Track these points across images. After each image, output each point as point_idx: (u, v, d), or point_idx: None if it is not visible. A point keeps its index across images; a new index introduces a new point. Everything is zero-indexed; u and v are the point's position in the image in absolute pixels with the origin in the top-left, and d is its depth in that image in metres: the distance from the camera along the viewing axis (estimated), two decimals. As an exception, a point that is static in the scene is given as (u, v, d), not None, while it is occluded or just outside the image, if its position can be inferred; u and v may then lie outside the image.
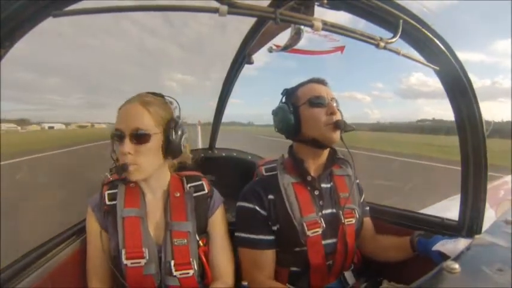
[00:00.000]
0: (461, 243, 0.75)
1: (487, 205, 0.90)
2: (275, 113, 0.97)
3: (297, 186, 0.93)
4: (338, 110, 0.92)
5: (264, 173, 0.98)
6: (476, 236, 0.67)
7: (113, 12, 0.59)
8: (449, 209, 1.12)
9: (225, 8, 0.50)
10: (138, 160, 0.79)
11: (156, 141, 0.81)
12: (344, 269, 0.96)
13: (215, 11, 0.50)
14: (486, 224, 0.88)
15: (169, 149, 0.83)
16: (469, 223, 0.91)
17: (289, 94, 0.98)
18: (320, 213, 0.91)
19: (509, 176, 2.97)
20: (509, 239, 0.63)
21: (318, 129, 0.90)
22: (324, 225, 0.89)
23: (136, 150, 0.78)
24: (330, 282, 0.93)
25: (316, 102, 0.90)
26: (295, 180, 0.93)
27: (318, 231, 0.88)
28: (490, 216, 0.89)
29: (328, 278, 0.93)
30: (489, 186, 0.90)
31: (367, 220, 1.09)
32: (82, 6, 0.55)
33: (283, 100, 0.99)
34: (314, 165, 0.96)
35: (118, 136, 0.79)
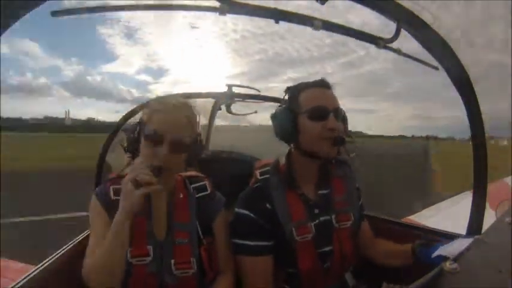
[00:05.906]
0: (462, 243, 0.73)
1: (487, 205, 0.90)
2: (274, 116, 0.92)
3: (288, 192, 0.91)
4: (341, 120, 0.88)
5: (259, 177, 0.95)
6: (476, 236, 0.67)
7: (113, 11, 0.59)
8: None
9: (225, 7, 0.50)
10: (170, 165, 0.80)
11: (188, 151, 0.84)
12: (344, 271, 0.95)
13: (215, 10, 0.50)
14: (486, 224, 0.88)
15: (193, 160, 0.87)
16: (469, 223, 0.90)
17: (292, 96, 0.92)
18: (316, 221, 0.90)
19: (509, 177, 2.97)
20: (509, 239, 0.63)
21: (316, 144, 0.86)
22: (314, 231, 0.88)
23: (171, 156, 0.79)
24: (329, 284, 0.93)
25: (317, 115, 0.85)
26: (287, 187, 0.92)
27: (307, 237, 0.87)
28: (490, 216, 0.89)
29: (326, 280, 0.92)
30: (489, 186, 0.90)
31: (364, 224, 1.07)
32: (82, 5, 0.55)
33: (286, 97, 0.94)
34: (310, 174, 0.94)
35: (153, 138, 0.79)
